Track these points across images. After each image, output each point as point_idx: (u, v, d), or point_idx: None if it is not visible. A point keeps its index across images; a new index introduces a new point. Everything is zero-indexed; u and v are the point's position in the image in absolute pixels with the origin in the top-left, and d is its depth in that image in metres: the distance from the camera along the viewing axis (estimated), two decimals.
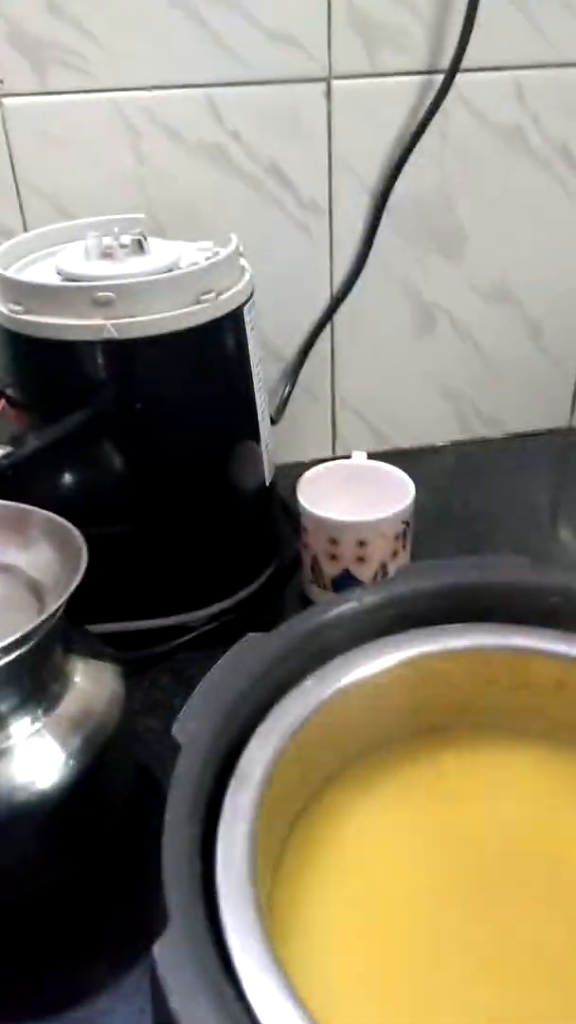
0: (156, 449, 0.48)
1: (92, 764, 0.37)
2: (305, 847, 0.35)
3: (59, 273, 0.48)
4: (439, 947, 0.32)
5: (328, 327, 0.69)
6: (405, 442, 0.76)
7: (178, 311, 0.45)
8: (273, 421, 0.67)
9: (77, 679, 0.39)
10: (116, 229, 0.50)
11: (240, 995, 0.25)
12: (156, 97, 0.58)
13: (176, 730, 0.31)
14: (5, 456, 0.48)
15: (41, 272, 0.50)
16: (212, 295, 0.46)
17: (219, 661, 0.34)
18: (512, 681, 0.38)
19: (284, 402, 0.69)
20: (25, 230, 0.59)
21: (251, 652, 0.35)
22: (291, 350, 0.69)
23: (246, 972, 0.25)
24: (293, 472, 0.58)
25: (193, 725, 0.32)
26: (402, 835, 0.37)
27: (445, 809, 0.37)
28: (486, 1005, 0.30)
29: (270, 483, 0.56)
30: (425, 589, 0.39)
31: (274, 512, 0.59)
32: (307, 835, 0.36)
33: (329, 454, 0.75)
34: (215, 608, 0.56)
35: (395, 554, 0.55)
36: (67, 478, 0.49)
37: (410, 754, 0.39)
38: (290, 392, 0.69)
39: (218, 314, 0.46)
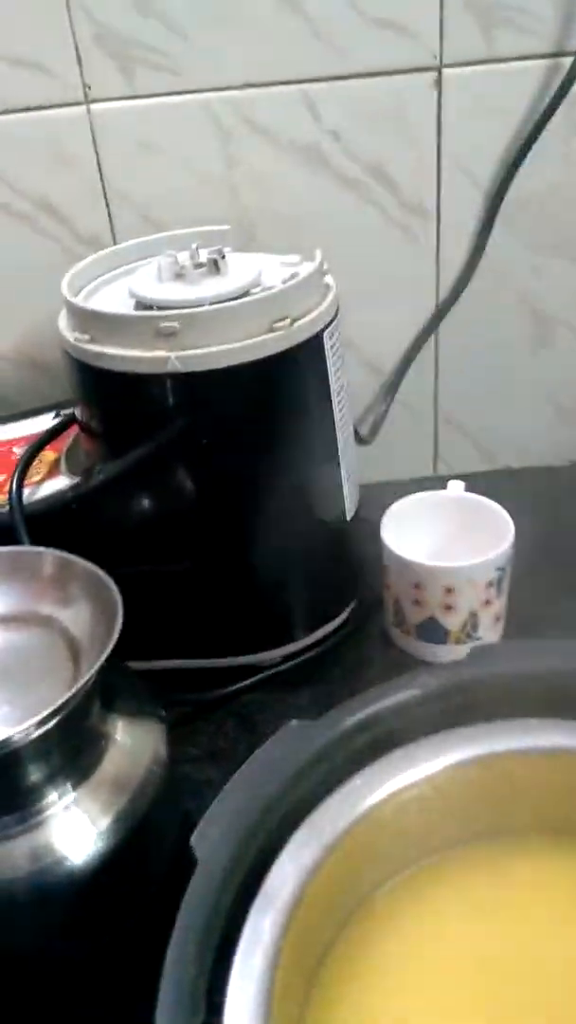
0: (224, 484, 0.45)
1: (128, 836, 0.34)
2: (345, 965, 0.31)
3: (131, 296, 0.45)
4: None
5: (432, 339, 0.63)
6: (515, 461, 0.69)
7: (248, 341, 0.41)
8: (364, 441, 0.62)
9: (116, 738, 0.36)
10: (195, 245, 0.46)
11: None
12: (248, 96, 0.54)
13: (195, 839, 0.28)
14: (71, 488, 0.46)
15: (114, 294, 0.47)
16: (287, 322, 0.42)
17: (254, 754, 0.31)
18: None
19: (380, 420, 0.64)
20: (114, 240, 0.57)
21: (291, 744, 0.31)
22: (391, 363, 0.64)
23: None
24: (387, 492, 0.54)
25: (215, 833, 0.28)
26: (454, 955, 0.32)
27: (502, 930, 0.32)
28: None
29: (352, 515, 0.52)
30: (501, 675, 0.33)
31: (356, 544, 0.55)
32: (347, 951, 0.32)
33: (430, 473, 0.69)
34: (289, 648, 0.53)
35: (487, 603, 0.50)
36: (132, 512, 0.46)
37: (471, 862, 0.34)
38: (387, 409, 0.64)
39: (293, 343, 0.42)
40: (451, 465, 0.69)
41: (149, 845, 0.36)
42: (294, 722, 0.32)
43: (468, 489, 0.54)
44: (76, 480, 0.46)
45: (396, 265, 0.60)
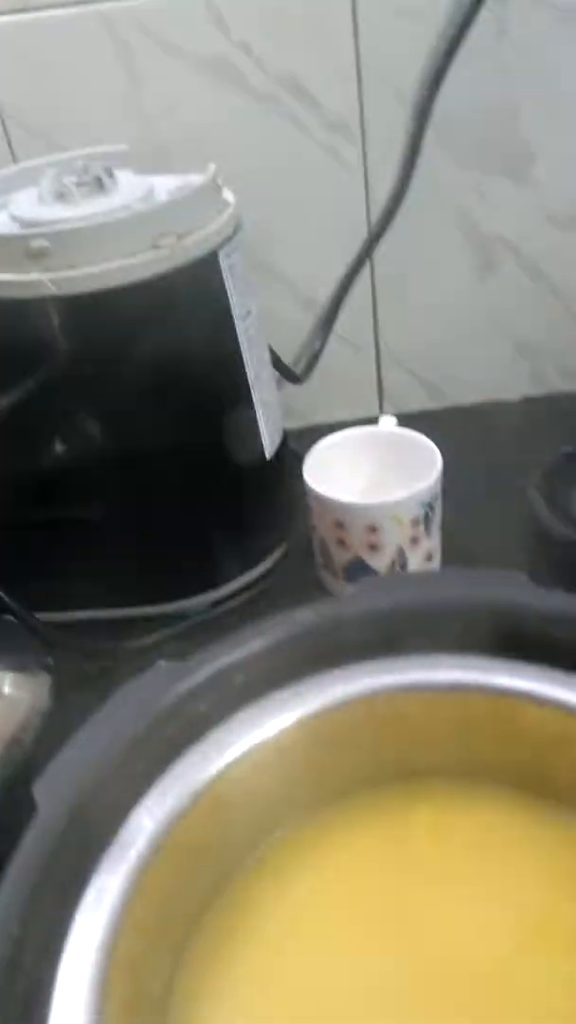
0: (123, 419, 0.42)
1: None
2: (217, 931, 0.29)
3: (13, 220, 0.41)
4: None
5: (367, 268, 0.59)
6: (466, 398, 0.66)
7: (128, 260, 0.38)
8: (298, 379, 0.59)
9: None
10: (82, 164, 0.43)
11: None
12: (148, 5, 0.50)
13: (37, 787, 0.26)
14: None
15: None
16: (172, 239, 0.38)
17: (112, 697, 0.28)
18: (498, 730, 0.30)
19: (315, 356, 0.60)
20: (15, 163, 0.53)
21: (157, 686, 0.29)
22: (324, 296, 0.60)
23: None
24: (330, 434, 0.51)
25: (62, 781, 0.26)
26: (349, 912, 0.30)
27: (402, 882, 0.30)
28: None
29: (274, 453, 0.49)
30: (390, 609, 0.31)
31: (284, 486, 0.52)
32: (227, 915, 0.29)
33: (376, 413, 0.66)
34: (215, 594, 0.50)
35: (415, 541, 0.47)
36: (28, 455, 0.43)
37: (368, 809, 0.32)
38: (322, 345, 0.60)
39: (181, 262, 0.39)
40: (398, 404, 0.66)
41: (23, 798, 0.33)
42: (162, 662, 0.30)
43: (415, 429, 0.51)
44: None
45: (323, 188, 0.56)
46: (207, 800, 0.28)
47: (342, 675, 0.30)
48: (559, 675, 0.28)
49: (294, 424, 0.61)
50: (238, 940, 0.29)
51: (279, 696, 0.30)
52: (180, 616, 0.50)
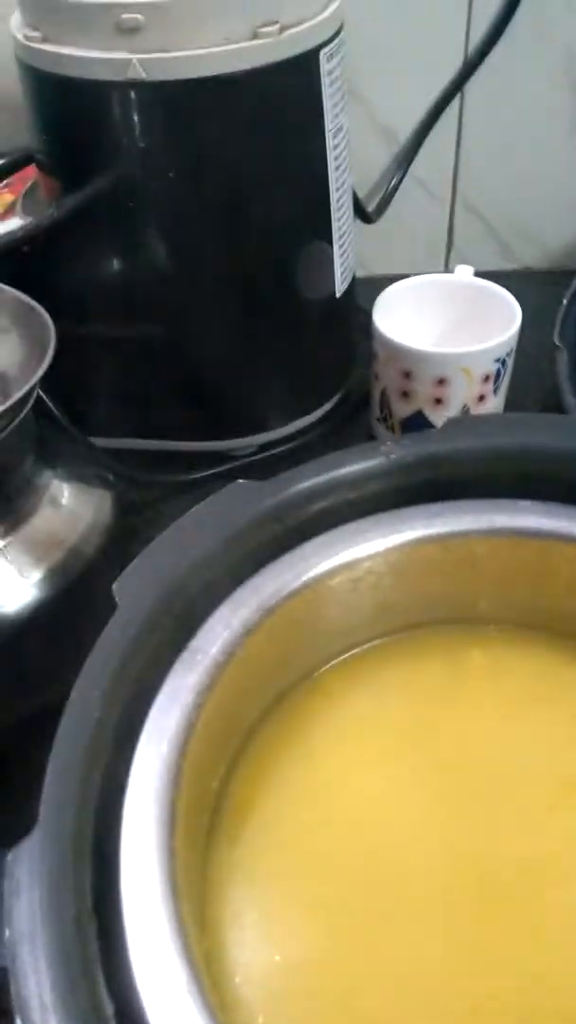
0: (196, 233, 0.40)
1: (60, 593, 0.32)
2: (273, 743, 0.30)
3: None
4: (405, 903, 0.26)
5: (457, 104, 0.55)
6: (541, 263, 0.62)
7: (226, 47, 0.34)
8: (369, 219, 0.56)
9: (54, 498, 0.33)
10: None
11: (108, 935, 0.20)
12: None
13: (117, 586, 0.25)
14: (21, 228, 0.40)
15: None
16: (275, 27, 0.35)
17: (190, 511, 0.28)
18: (571, 579, 0.30)
19: (389, 196, 0.57)
20: None
21: (236, 503, 0.28)
22: (406, 130, 0.56)
23: (134, 915, 0.20)
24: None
25: (139, 583, 0.26)
26: (399, 738, 0.30)
27: (455, 718, 0.30)
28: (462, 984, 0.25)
29: (343, 293, 0.46)
30: (478, 450, 0.30)
31: (348, 331, 0.50)
32: (283, 726, 0.30)
33: (441, 268, 0.63)
34: (265, 437, 0.49)
35: (482, 399, 0.45)
36: (94, 264, 0.41)
37: (428, 647, 0.32)
38: (398, 184, 0.57)
39: (282, 56, 0.35)
40: (468, 260, 0.62)
41: (85, 607, 0.33)
42: (240, 481, 0.29)
43: None
44: (28, 220, 0.41)
45: (422, 5, 0.51)
46: (278, 617, 0.27)
47: (420, 512, 0.29)
48: None
49: (357, 273, 0.58)
50: (288, 754, 0.29)
51: (357, 526, 0.29)
52: (225, 456, 0.49)
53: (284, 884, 0.27)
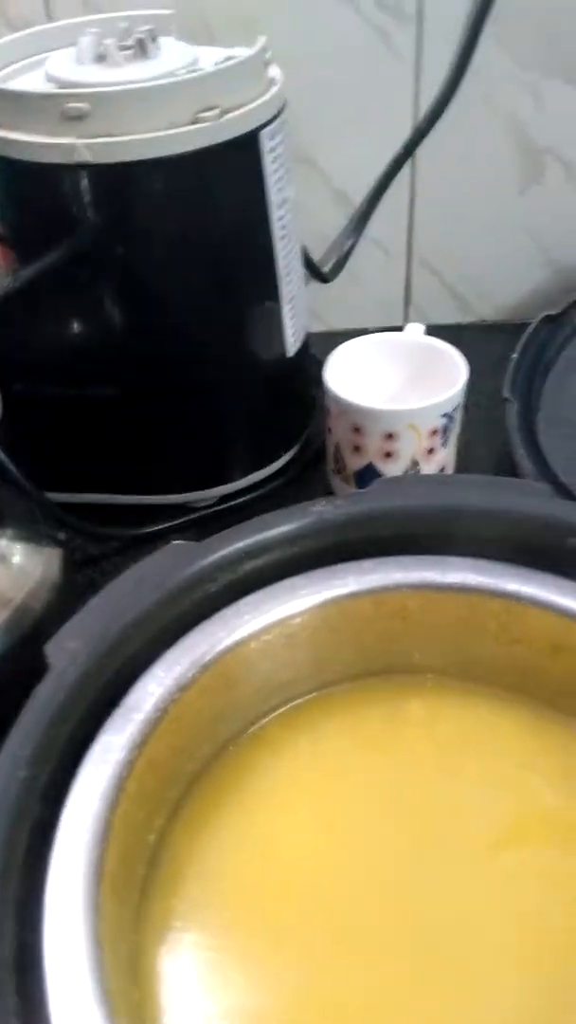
0: (147, 301, 0.42)
1: (4, 654, 0.33)
2: (218, 789, 0.31)
3: (49, 80, 0.40)
4: (341, 945, 0.27)
5: (408, 167, 0.57)
6: (496, 316, 0.65)
7: (168, 131, 0.36)
8: (325, 279, 0.58)
9: (4, 556, 0.35)
10: (125, 26, 0.41)
11: (27, 992, 0.21)
12: None
13: (49, 647, 0.27)
14: None
15: (36, 79, 0.42)
16: (215, 112, 0.37)
17: (126, 572, 0.29)
18: (501, 633, 0.31)
19: (345, 257, 0.59)
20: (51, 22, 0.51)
21: (172, 563, 0.29)
22: (361, 193, 0.58)
23: (54, 964, 0.21)
24: (352, 339, 0.50)
25: (74, 645, 0.27)
26: (340, 786, 0.31)
27: (393, 766, 0.31)
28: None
29: (296, 352, 0.48)
30: (408, 509, 0.31)
31: (305, 385, 0.52)
32: (224, 779, 0.31)
33: (399, 322, 0.65)
34: (224, 489, 0.50)
35: (431, 452, 0.47)
36: (51, 330, 0.43)
37: (365, 698, 0.33)
38: (354, 244, 0.59)
39: (222, 138, 0.37)
40: (425, 314, 0.65)
41: (33, 665, 0.34)
42: (177, 541, 0.30)
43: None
44: None
45: (371, 76, 0.53)
46: (213, 673, 0.29)
47: (353, 568, 0.31)
48: (565, 583, 0.29)
49: (315, 328, 0.60)
50: (229, 804, 0.30)
51: (290, 583, 0.30)
52: (185, 508, 0.50)
53: (221, 934, 0.27)
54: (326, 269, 0.58)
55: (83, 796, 0.24)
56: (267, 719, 0.32)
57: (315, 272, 0.56)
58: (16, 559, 0.35)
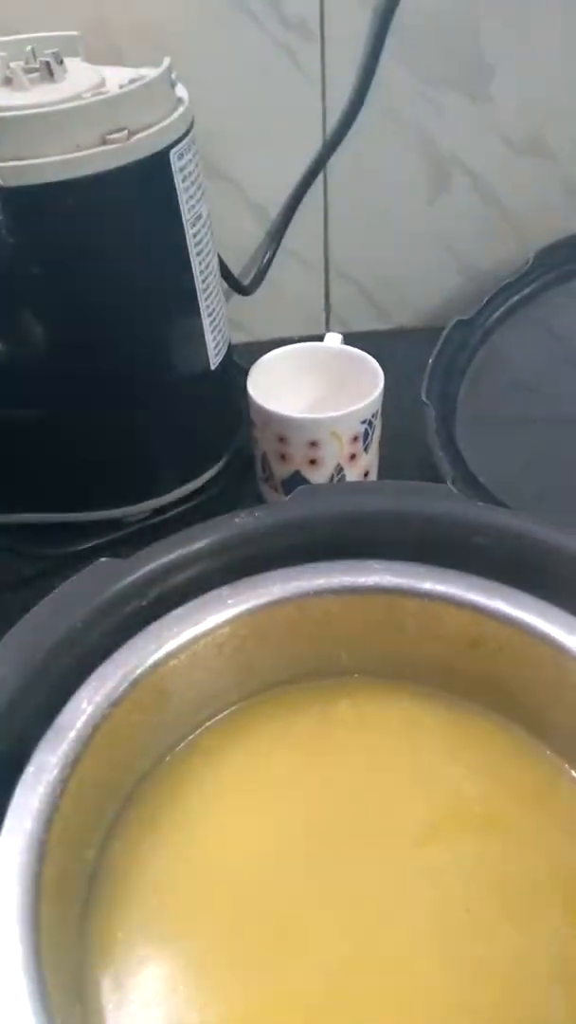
0: (67, 320, 0.42)
1: None
2: (155, 801, 0.31)
3: None
4: (282, 947, 0.28)
5: (320, 180, 0.59)
6: (413, 322, 0.67)
7: (76, 154, 0.37)
8: (245, 291, 0.59)
9: None
10: (30, 49, 0.41)
11: None
12: None
13: None
14: None
15: None
16: (123, 134, 0.37)
17: (54, 592, 0.29)
18: (420, 631, 0.32)
19: (264, 268, 0.60)
20: None
21: (98, 581, 0.30)
22: (276, 206, 0.59)
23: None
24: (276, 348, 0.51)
25: (2, 670, 0.27)
26: (278, 791, 0.32)
27: (325, 770, 0.32)
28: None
29: (219, 364, 0.49)
30: (325, 516, 0.32)
31: (230, 396, 0.53)
32: (155, 793, 0.31)
33: (321, 331, 0.66)
34: (155, 503, 0.51)
35: (353, 457, 0.48)
36: None
37: (297, 702, 0.34)
38: (272, 256, 0.60)
39: (131, 159, 0.38)
40: (346, 322, 0.66)
41: None
42: (103, 559, 0.31)
43: (360, 349, 0.51)
44: None
45: (280, 93, 0.55)
46: (144, 688, 0.29)
47: (276, 576, 0.32)
48: (475, 580, 0.30)
49: (239, 339, 0.61)
50: (167, 816, 0.31)
51: (216, 594, 0.31)
52: (118, 524, 0.51)
53: (163, 943, 0.28)
54: (247, 281, 0.59)
55: (18, 817, 0.25)
56: (200, 729, 0.33)
57: (235, 285, 0.57)
58: None
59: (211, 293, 0.46)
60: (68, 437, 0.46)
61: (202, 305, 0.45)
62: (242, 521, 0.32)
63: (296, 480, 0.49)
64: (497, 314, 0.58)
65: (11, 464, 0.47)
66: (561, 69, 0.56)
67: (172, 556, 0.31)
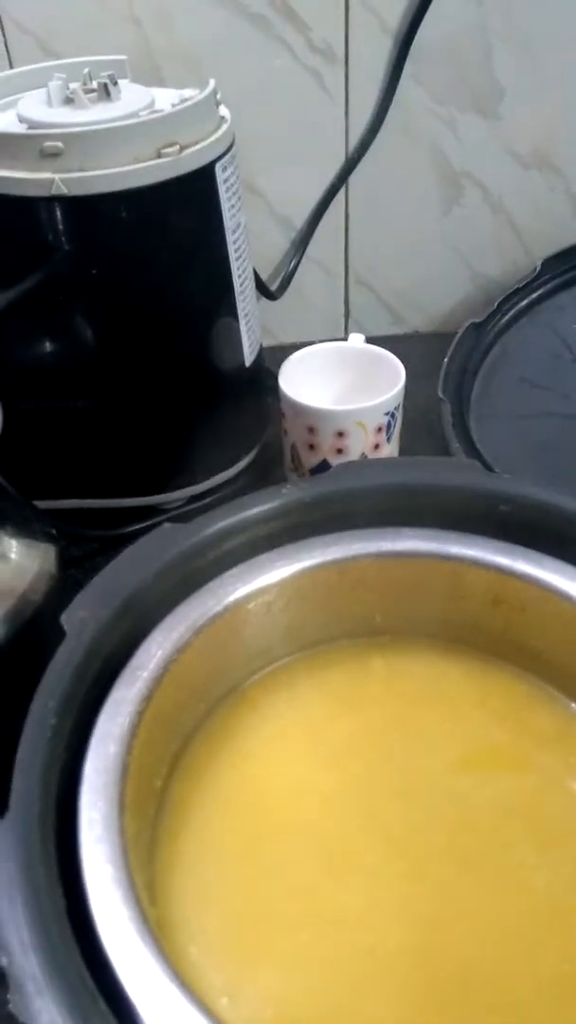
0: (118, 319, 0.46)
1: (11, 637, 0.37)
2: (208, 746, 0.34)
3: (21, 120, 0.44)
4: (332, 865, 0.31)
5: (342, 193, 0.63)
6: (427, 327, 0.71)
7: (135, 166, 0.41)
8: (273, 296, 0.63)
9: (4, 554, 0.38)
10: (87, 71, 0.45)
11: (76, 907, 0.24)
12: None
13: (64, 617, 0.30)
14: None
15: (5, 121, 0.46)
16: (175, 148, 0.41)
17: (126, 550, 0.33)
18: (448, 591, 0.36)
19: (290, 276, 0.64)
20: (11, 68, 0.55)
21: (163, 543, 0.33)
22: (301, 218, 0.63)
23: (94, 883, 0.25)
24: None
25: (85, 614, 0.31)
26: (317, 740, 0.35)
27: (362, 717, 0.36)
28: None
29: (252, 363, 0.53)
30: (363, 488, 0.36)
31: (261, 393, 0.56)
32: (215, 732, 0.35)
33: (341, 335, 0.70)
34: (191, 491, 0.54)
35: (377, 447, 0.52)
36: (28, 348, 0.47)
37: (334, 658, 0.37)
38: (297, 265, 0.64)
39: (182, 171, 0.42)
40: (363, 327, 0.70)
41: (36, 645, 0.38)
42: (167, 524, 0.34)
43: None
44: None
45: (307, 113, 0.59)
46: (205, 637, 0.33)
47: (318, 542, 0.35)
48: (500, 544, 0.34)
49: (266, 342, 0.65)
50: (222, 753, 0.34)
51: (266, 557, 0.35)
52: (157, 510, 0.54)
53: (219, 866, 0.31)
54: (273, 288, 0.63)
55: (103, 742, 0.28)
56: (250, 680, 0.36)
57: (264, 290, 0.61)
58: (14, 555, 0.38)
59: (246, 296, 0.50)
60: (115, 427, 0.50)
61: (240, 307, 0.49)
62: (288, 492, 0.35)
63: (324, 469, 0.52)
64: (507, 317, 0.62)
65: (61, 453, 0.50)
66: (567, 90, 0.60)
67: (225, 523, 0.34)
